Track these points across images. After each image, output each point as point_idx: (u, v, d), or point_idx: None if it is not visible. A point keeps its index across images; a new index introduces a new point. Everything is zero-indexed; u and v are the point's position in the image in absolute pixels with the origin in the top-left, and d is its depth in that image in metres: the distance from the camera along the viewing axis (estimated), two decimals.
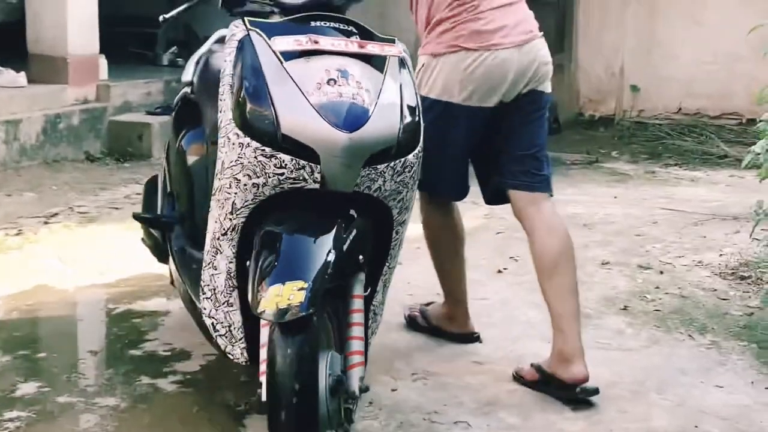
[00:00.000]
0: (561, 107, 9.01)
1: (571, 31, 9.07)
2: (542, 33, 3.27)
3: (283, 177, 2.40)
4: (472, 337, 3.51)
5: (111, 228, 4.87)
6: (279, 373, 2.21)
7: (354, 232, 2.44)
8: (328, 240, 2.37)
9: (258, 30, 2.51)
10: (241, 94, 2.47)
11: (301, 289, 2.21)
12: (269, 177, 2.40)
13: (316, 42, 2.46)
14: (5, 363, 3.22)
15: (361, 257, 2.45)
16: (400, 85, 2.54)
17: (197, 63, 3.23)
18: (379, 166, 2.44)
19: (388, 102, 2.47)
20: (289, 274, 2.26)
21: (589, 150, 7.92)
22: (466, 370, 3.27)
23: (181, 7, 2.86)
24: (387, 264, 2.70)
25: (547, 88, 3.25)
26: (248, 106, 2.45)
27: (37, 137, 6.31)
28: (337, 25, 2.54)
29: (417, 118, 2.57)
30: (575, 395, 3.06)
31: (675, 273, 4.45)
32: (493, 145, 3.22)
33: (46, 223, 4.97)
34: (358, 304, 2.48)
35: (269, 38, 2.48)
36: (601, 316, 3.85)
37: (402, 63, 2.60)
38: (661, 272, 4.44)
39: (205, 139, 3.03)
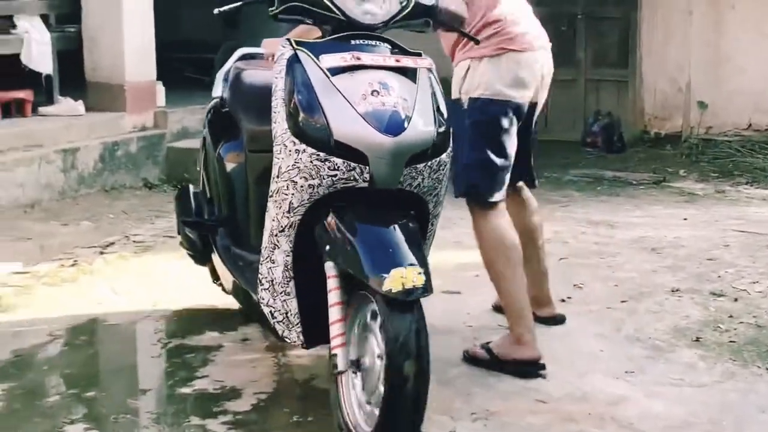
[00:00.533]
0: (625, 125, 8.81)
1: (634, 47, 8.85)
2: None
3: (336, 178, 2.72)
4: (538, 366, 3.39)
5: (166, 257, 4.80)
6: (400, 346, 2.56)
7: (414, 225, 2.76)
8: (405, 232, 2.70)
9: (304, 49, 2.81)
10: (294, 106, 2.77)
11: (420, 273, 2.58)
12: (324, 178, 2.72)
13: (359, 58, 2.76)
14: (54, 402, 3.14)
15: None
16: (432, 93, 2.85)
17: (225, 79, 3.60)
18: (418, 166, 2.77)
19: (423, 109, 2.79)
20: (404, 259, 2.60)
21: (655, 169, 7.70)
22: (528, 410, 3.11)
23: (238, 3, 3.02)
24: (426, 250, 2.96)
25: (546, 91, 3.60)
26: (301, 116, 2.75)
27: (94, 165, 6.31)
28: (373, 43, 2.84)
29: (447, 122, 2.88)
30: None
31: (750, 300, 4.22)
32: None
33: (101, 252, 4.93)
34: None
35: (316, 56, 2.77)
36: (672, 348, 3.65)
37: (430, 73, 2.89)
38: (735, 299, 4.22)
39: (242, 149, 3.41)
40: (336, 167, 2.70)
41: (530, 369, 3.33)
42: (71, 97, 6.71)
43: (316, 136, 2.72)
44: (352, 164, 2.70)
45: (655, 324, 3.90)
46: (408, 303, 2.59)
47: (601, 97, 9.07)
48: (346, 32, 2.82)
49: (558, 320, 3.83)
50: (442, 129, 2.84)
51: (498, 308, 3.78)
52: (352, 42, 2.82)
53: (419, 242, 2.73)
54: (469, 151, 3.36)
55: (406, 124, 2.71)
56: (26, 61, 6.45)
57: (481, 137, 3.34)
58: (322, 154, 2.70)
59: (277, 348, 3.57)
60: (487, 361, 3.40)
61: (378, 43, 2.84)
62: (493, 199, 3.40)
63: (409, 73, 2.82)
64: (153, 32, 6.90)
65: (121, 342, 3.83)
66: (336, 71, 2.75)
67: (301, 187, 2.74)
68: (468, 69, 3.38)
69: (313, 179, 2.72)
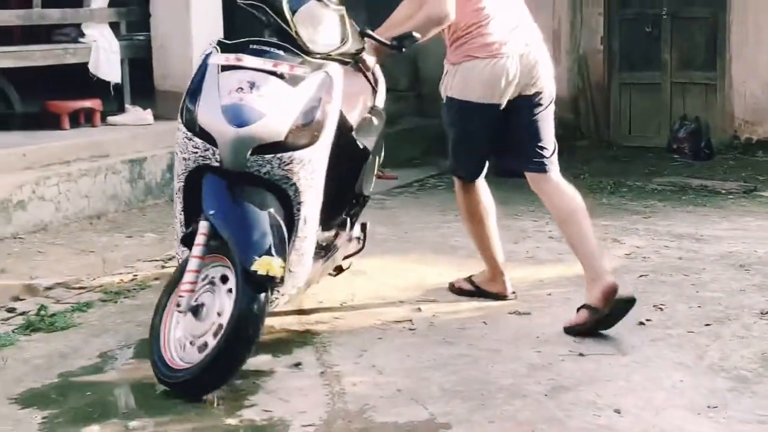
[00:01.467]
0: (713, 130, 8.39)
1: (723, 49, 8.42)
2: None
3: (197, 155, 3.35)
4: (507, 298, 4.23)
5: None
6: (245, 316, 3.14)
7: (279, 219, 3.30)
8: (275, 225, 3.28)
9: (218, 47, 3.42)
10: (186, 92, 3.45)
11: (282, 267, 3.17)
12: (191, 154, 3.37)
13: (240, 60, 3.34)
14: None
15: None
16: (314, 98, 3.36)
17: None
18: (266, 156, 3.27)
19: (285, 109, 3.29)
20: (275, 250, 3.17)
21: (745, 178, 7.31)
22: None
23: None
24: (295, 234, 3.41)
25: (546, 87, 4.04)
26: (186, 101, 3.42)
27: (162, 175, 6.21)
28: (270, 49, 3.38)
29: (318, 125, 3.36)
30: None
31: None
32: (510, 136, 4.06)
33: (163, 266, 4.81)
34: None
35: (220, 53, 3.39)
36: (760, 379, 3.34)
37: (324, 81, 3.41)
38: None
39: None
40: (197, 147, 3.33)
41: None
42: (140, 105, 6.64)
43: (188, 118, 3.38)
44: (207, 146, 3.30)
45: (742, 351, 3.59)
46: (263, 286, 3.13)
47: (687, 102, 8.64)
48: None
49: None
50: (304, 128, 3.32)
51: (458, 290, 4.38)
52: (252, 46, 3.37)
53: (283, 236, 3.25)
54: (449, 139, 4.15)
55: (254, 119, 3.23)
56: (94, 70, 6.39)
57: (454, 129, 4.09)
58: (189, 134, 3.36)
59: (332, 375, 3.38)
60: (471, 291, 4.27)
61: (274, 50, 3.37)
62: (467, 177, 4.16)
63: (296, 78, 3.35)
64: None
65: None
66: (227, 68, 3.33)
67: (180, 159, 3.43)
68: (446, 72, 4.05)
69: (184, 153, 3.39)
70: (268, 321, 3.86)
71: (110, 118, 6.52)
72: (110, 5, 6.64)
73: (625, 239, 5.37)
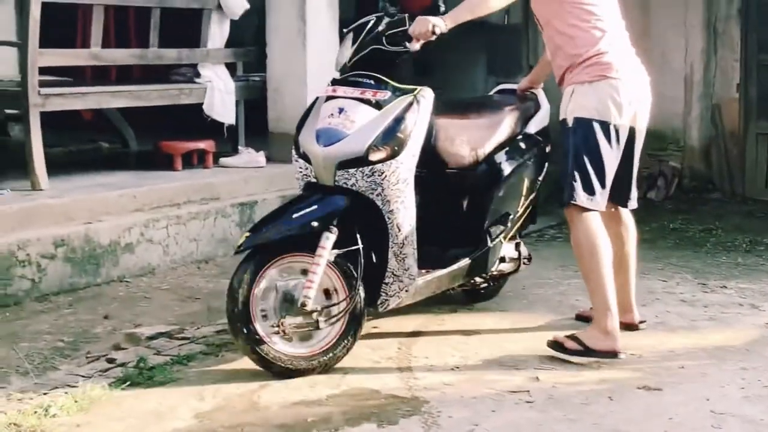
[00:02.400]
0: None
1: None
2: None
3: (302, 173, 4.00)
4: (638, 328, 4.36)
5: None
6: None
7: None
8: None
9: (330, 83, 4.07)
10: (299, 121, 4.07)
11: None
12: (300, 172, 4.01)
13: (335, 90, 3.95)
14: None
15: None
16: (395, 119, 3.84)
17: None
18: (350, 169, 3.81)
19: (367, 129, 3.81)
20: None
21: None
22: None
23: None
24: (391, 240, 3.89)
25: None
26: (297, 129, 4.05)
27: None
28: (363, 80, 3.92)
29: (399, 141, 3.83)
30: None
31: None
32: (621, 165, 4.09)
33: None
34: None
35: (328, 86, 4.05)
36: None
37: (410, 104, 3.90)
38: None
39: None
40: (301, 166, 3.99)
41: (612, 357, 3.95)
42: (254, 147, 6.53)
43: (296, 142, 4.01)
44: (307, 165, 3.94)
45: None
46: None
47: None
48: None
49: (636, 328, 4.36)
50: (383, 145, 3.79)
51: (580, 317, 4.52)
52: (350, 78, 3.96)
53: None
54: (571, 164, 4.00)
55: (338, 139, 3.80)
56: (208, 111, 6.30)
57: (582, 151, 3.98)
58: (295, 155, 4.02)
59: None
60: (575, 350, 3.96)
61: (366, 80, 3.91)
62: (590, 207, 3.99)
63: (380, 103, 3.85)
64: None
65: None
66: (328, 98, 3.93)
67: (297, 176, 4.04)
68: (572, 93, 4.01)
69: (298, 172, 4.02)
70: (376, 383, 3.65)
71: (222, 160, 6.42)
72: (227, 45, 6.57)
73: (764, 305, 4.92)
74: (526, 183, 4.52)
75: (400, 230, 3.89)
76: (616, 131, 3.99)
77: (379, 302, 3.96)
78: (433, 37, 3.91)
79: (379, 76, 3.92)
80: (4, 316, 4.57)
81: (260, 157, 6.42)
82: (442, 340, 4.19)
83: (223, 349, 4.14)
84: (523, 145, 4.51)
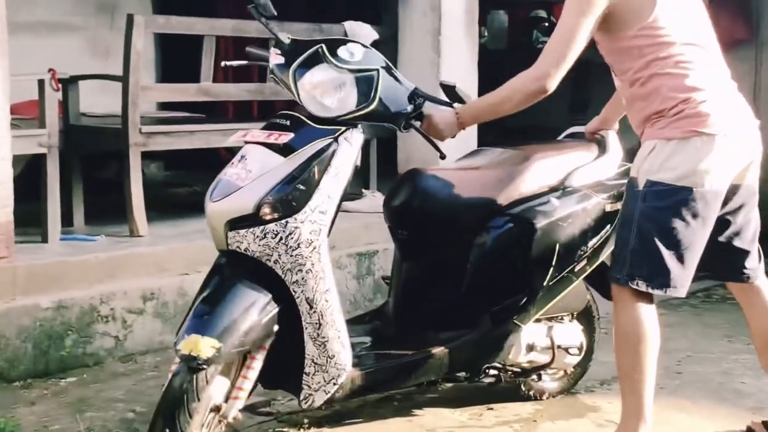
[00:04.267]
0: None
1: None
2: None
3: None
4: None
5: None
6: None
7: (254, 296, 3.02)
8: (234, 300, 3.01)
9: None
10: None
11: (212, 347, 2.88)
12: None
13: (245, 135, 3.17)
14: None
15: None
16: (298, 166, 3.04)
17: None
18: (240, 231, 3.03)
19: (263, 180, 3.03)
20: (207, 328, 2.92)
21: None
22: None
23: (245, 62, 3.62)
24: (303, 320, 3.08)
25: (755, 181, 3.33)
26: None
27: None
28: (280, 120, 3.17)
29: (297, 195, 3.02)
30: None
31: None
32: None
33: None
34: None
35: None
36: None
37: (324, 149, 3.08)
38: None
39: None
40: None
41: None
42: (381, 191, 5.96)
43: None
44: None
45: None
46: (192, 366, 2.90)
47: None
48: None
49: None
50: (279, 199, 3.01)
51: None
52: (272, 120, 3.21)
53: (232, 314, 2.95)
54: (636, 238, 3.14)
55: (230, 192, 3.04)
56: None
57: (653, 225, 3.12)
58: None
59: None
60: None
61: (282, 120, 3.15)
62: (650, 290, 3.15)
63: (288, 148, 3.06)
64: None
65: None
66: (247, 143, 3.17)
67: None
68: (653, 149, 3.13)
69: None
70: None
71: (345, 204, 5.85)
72: None
73: None
74: (560, 249, 3.48)
75: (312, 307, 3.07)
76: (705, 200, 3.11)
77: (301, 397, 3.17)
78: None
79: (298, 115, 3.14)
80: (81, 379, 4.16)
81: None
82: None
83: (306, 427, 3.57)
84: (557, 203, 3.51)
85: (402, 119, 3.26)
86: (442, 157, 3.42)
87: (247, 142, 3.14)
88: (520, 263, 3.49)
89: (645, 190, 3.13)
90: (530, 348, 3.62)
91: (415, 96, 3.25)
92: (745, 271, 3.39)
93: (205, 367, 2.92)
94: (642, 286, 3.13)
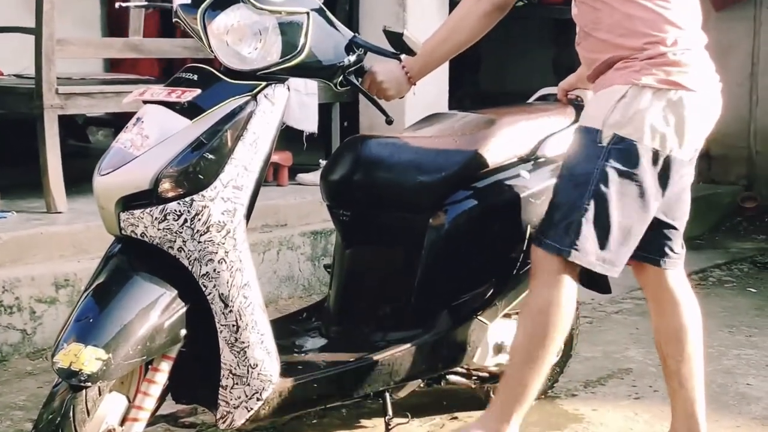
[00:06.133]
0: None
1: None
2: None
3: None
4: None
5: None
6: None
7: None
8: (128, 304, 2.39)
9: None
10: None
11: (99, 359, 2.29)
12: None
13: (142, 93, 2.54)
14: None
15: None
16: (205, 132, 2.43)
17: None
18: (135, 212, 2.43)
19: (162, 148, 2.43)
20: (92, 336, 2.32)
21: None
22: None
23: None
24: (217, 321, 2.47)
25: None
26: None
27: None
28: (186, 75, 2.55)
29: (204, 167, 2.43)
30: None
31: None
32: None
33: None
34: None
35: None
36: None
37: (238, 110, 2.46)
38: None
39: None
40: None
41: None
42: None
43: None
44: None
45: None
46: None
47: None
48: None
49: None
50: (181, 173, 2.41)
51: None
52: (179, 74, 2.59)
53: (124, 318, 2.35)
54: (591, 203, 2.60)
55: (122, 164, 2.43)
56: (284, 118, 5.12)
57: (612, 190, 2.61)
58: None
59: None
60: None
61: (189, 74, 2.54)
62: (580, 262, 2.63)
63: (193, 108, 2.45)
64: (447, 86, 5.52)
65: None
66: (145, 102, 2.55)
67: None
68: (623, 96, 2.60)
69: None
70: None
71: (300, 176, 5.28)
72: None
73: None
74: (532, 231, 2.90)
75: (227, 306, 2.46)
76: (670, 167, 2.64)
77: (218, 416, 2.57)
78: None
79: (209, 68, 2.51)
80: None
81: None
82: None
83: None
84: (527, 176, 2.96)
85: (338, 74, 2.64)
86: (389, 122, 2.81)
87: (145, 102, 2.52)
88: (484, 248, 2.94)
89: (609, 147, 2.60)
90: (498, 349, 3.04)
91: (353, 45, 2.63)
92: (667, 251, 2.81)
93: (89, 384, 2.32)
94: (584, 262, 2.61)
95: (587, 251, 2.60)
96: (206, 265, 2.44)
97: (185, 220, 2.42)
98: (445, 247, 2.90)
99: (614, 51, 2.63)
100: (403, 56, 2.71)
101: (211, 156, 2.43)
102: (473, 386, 3.18)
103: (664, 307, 2.86)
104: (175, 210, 2.42)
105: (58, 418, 2.34)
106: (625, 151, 2.60)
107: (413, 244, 2.90)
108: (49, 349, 3.79)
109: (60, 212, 4.26)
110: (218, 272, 2.45)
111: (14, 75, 5.03)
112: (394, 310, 2.94)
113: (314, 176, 5.21)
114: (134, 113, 2.58)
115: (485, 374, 3.12)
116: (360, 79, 2.74)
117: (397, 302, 2.93)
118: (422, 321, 2.89)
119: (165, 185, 2.42)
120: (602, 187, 2.59)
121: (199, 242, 2.43)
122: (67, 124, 6.75)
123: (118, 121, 6.16)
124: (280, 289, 4.62)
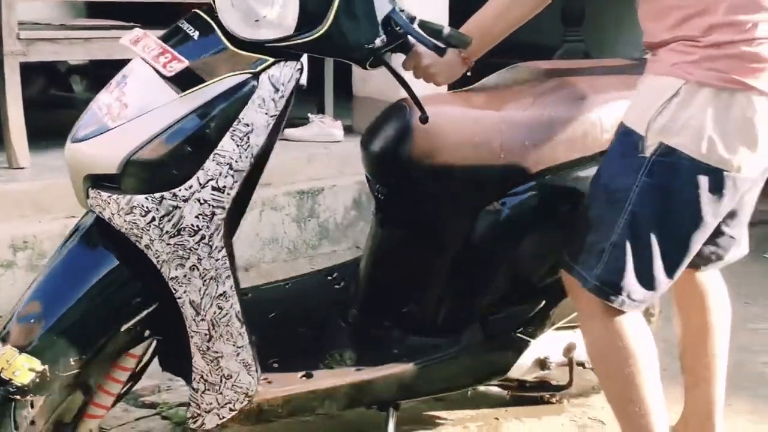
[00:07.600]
0: None
1: None
2: None
3: None
4: None
5: None
6: None
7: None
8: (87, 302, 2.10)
9: None
10: None
11: (32, 369, 2.03)
12: None
13: (136, 41, 2.13)
14: None
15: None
16: (192, 112, 2.04)
17: None
18: (103, 193, 2.09)
19: (139, 125, 2.05)
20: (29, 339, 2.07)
21: None
22: None
23: None
24: (188, 327, 2.14)
25: None
26: None
27: (344, 214, 4.59)
28: (184, 27, 2.14)
29: (191, 156, 2.04)
30: None
31: None
32: None
33: None
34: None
35: None
36: None
37: (234, 89, 2.04)
38: None
39: None
40: None
41: None
42: (332, 115, 5.03)
43: None
44: None
45: None
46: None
47: None
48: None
49: None
50: (154, 162, 2.04)
51: None
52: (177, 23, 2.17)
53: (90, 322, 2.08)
54: (627, 225, 2.08)
55: (95, 134, 2.08)
56: None
57: (654, 211, 2.08)
58: None
59: None
60: None
61: (188, 27, 2.12)
62: (637, 302, 2.13)
63: (183, 78, 2.03)
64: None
65: None
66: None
67: None
68: (675, 94, 2.03)
69: None
70: None
71: (287, 131, 4.93)
72: None
73: None
74: None
75: (198, 313, 2.11)
76: (734, 189, 2.09)
77: (189, 415, 2.28)
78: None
79: (213, 24, 2.07)
80: None
81: (335, 129, 4.90)
82: None
83: None
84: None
85: (369, 56, 2.13)
86: (423, 119, 2.24)
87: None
88: (547, 251, 2.38)
89: (653, 159, 2.06)
90: (541, 364, 2.66)
91: (392, 22, 2.11)
92: (712, 258, 2.38)
93: (17, 397, 2.03)
94: (616, 302, 2.11)
95: (627, 294, 2.11)
96: (176, 269, 2.10)
97: (153, 218, 2.06)
98: (492, 249, 2.44)
99: (673, 34, 2.06)
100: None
101: (188, 148, 2.04)
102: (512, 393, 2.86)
103: (693, 300, 2.47)
104: (143, 206, 2.06)
105: None
106: (673, 166, 2.05)
107: (453, 239, 2.46)
108: (5, 315, 3.53)
109: (22, 167, 3.95)
110: (189, 279, 2.11)
111: None
112: (420, 310, 2.52)
113: (302, 131, 4.89)
114: (114, 61, 2.27)
115: (525, 384, 2.76)
116: (399, 57, 2.26)
117: (424, 302, 2.51)
118: (449, 330, 2.48)
119: (131, 175, 2.06)
120: (641, 209, 2.08)
121: (168, 244, 2.08)
122: (50, 72, 6.46)
123: (102, 70, 5.84)
124: (263, 252, 4.32)
